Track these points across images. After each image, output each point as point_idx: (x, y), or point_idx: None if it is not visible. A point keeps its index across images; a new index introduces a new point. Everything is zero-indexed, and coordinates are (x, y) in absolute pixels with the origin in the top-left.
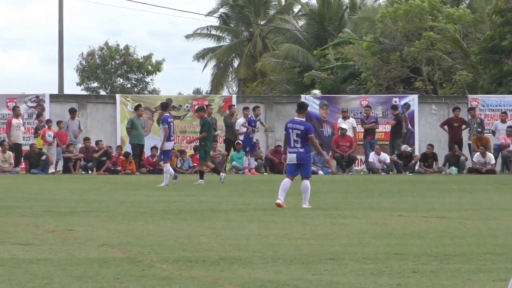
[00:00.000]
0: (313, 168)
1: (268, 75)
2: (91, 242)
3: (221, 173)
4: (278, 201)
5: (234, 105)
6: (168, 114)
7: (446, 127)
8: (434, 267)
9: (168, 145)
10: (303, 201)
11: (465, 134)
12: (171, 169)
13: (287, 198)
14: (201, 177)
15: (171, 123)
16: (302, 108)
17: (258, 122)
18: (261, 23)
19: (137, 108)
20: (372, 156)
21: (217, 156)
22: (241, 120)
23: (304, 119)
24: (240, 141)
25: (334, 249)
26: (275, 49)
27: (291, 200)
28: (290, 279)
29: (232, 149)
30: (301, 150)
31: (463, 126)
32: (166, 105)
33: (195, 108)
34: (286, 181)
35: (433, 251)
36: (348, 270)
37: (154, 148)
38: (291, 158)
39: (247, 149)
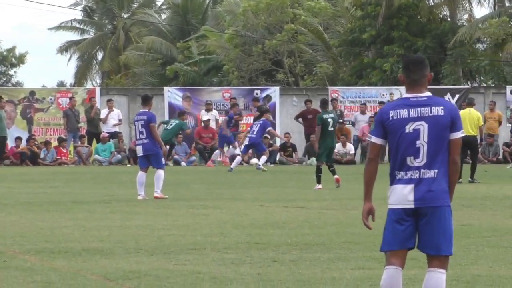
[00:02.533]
0: (176, 157)
1: (131, 67)
2: None
3: None
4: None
5: (94, 98)
6: None
7: (300, 119)
8: (294, 256)
9: None
10: (155, 189)
11: None
12: None
13: (149, 189)
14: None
15: None
16: (145, 100)
17: (235, 117)
18: (125, 16)
19: None
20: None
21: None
22: (105, 111)
23: (148, 110)
24: (105, 133)
25: (196, 239)
26: (139, 42)
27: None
28: (152, 269)
29: (95, 141)
30: (146, 141)
31: None
32: None
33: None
34: (140, 175)
35: (293, 241)
36: (209, 260)
37: (18, 139)
38: (138, 150)
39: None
